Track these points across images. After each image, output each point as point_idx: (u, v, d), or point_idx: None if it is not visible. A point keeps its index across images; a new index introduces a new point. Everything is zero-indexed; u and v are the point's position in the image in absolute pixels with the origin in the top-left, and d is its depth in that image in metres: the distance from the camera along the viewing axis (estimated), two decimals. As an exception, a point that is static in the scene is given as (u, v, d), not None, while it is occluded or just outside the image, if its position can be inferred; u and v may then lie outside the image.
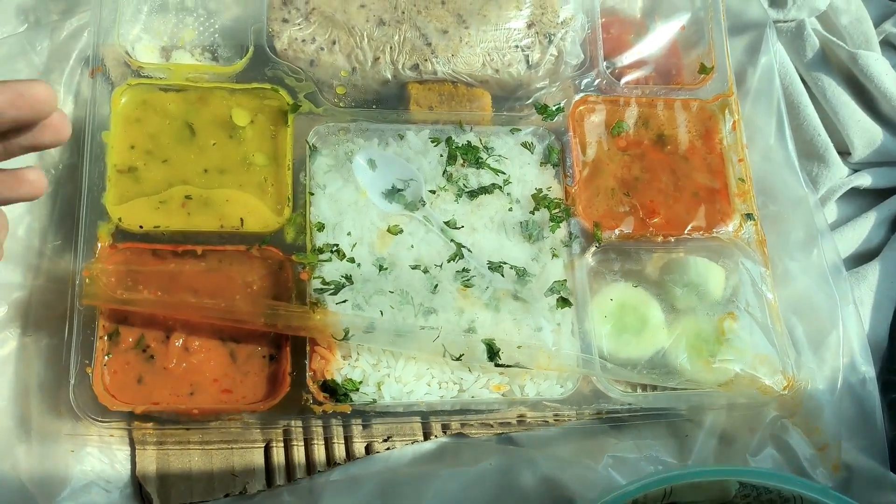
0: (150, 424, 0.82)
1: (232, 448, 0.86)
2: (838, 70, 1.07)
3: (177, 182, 0.88)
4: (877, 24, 1.11)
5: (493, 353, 0.84)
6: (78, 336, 0.81)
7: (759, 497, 0.77)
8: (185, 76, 0.91)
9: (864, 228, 1.03)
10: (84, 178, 0.86)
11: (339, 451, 0.88)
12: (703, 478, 0.74)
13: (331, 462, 0.87)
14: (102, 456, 0.84)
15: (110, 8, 0.92)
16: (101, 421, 0.80)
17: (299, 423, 0.85)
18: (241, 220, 0.87)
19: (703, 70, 1.01)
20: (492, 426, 0.90)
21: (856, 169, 1.07)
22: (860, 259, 1.03)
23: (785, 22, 1.09)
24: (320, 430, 0.87)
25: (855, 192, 1.06)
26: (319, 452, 0.87)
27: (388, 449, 0.89)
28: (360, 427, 0.88)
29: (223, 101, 0.91)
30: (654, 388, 0.89)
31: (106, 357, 0.82)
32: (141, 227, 0.85)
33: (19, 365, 0.84)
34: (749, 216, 0.95)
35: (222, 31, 0.96)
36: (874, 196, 1.06)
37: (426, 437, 0.89)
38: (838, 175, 1.04)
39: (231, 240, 0.87)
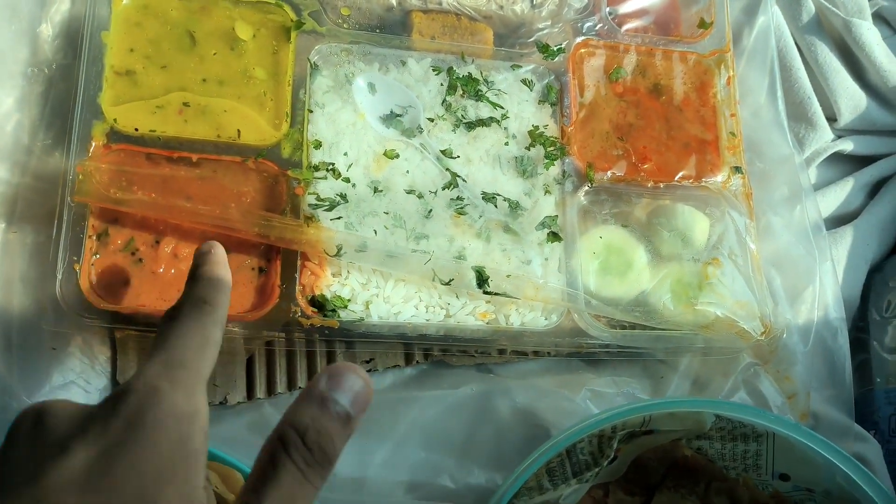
0: (133, 327, 0.82)
1: (214, 358, 0.86)
2: (831, 37, 1.09)
3: (175, 88, 0.86)
4: (870, -3, 1.13)
5: (482, 279, 0.85)
6: (67, 232, 0.80)
7: (732, 431, 0.79)
8: (188, -17, 0.90)
9: (843, 192, 1.05)
10: (81, 76, 0.84)
11: (321, 369, 0.88)
12: (681, 408, 0.76)
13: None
14: (83, 356, 0.83)
15: None
16: (86, 317, 0.79)
17: (283, 336, 0.85)
18: (238, 131, 0.86)
19: (703, 25, 1.02)
20: (473, 355, 0.91)
21: (840, 135, 1.09)
22: (838, 221, 1.05)
23: (783, -15, 1.11)
24: (303, 346, 0.87)
25: (838, 157, 1.08)
26: (301, 369, 0.88)
27: (368, 371, 0.90)
28: (344, 347, 0.89)
29: (226, 13, 0.90)
30: (634, 328, 0.91)
31: (94, 256, 0.81)
32: (136, 129, 0.84)
33: (3, 260, 0.83)
34: (737, 169, 0.97)
35: (228, -56, 0.95)
36: (856, 162, 1.09)
37: (408, 361, 0.90)
38: (824, 139, 1.06)
39: (227, 150, 0.86)
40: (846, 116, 1.07)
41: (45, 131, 0.88)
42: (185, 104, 0.86)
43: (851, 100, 1.07)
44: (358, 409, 0.54)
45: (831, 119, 1.08)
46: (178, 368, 0.53)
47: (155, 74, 0.87)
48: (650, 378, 0.94)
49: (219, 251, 0.67)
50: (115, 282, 0.81)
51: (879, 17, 1.14)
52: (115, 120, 0.84)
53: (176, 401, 0.50)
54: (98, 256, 0.82)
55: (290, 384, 0.88)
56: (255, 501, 0.49)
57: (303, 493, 0.51)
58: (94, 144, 0.83)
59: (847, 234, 1.02)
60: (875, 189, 1.08)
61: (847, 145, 1.07)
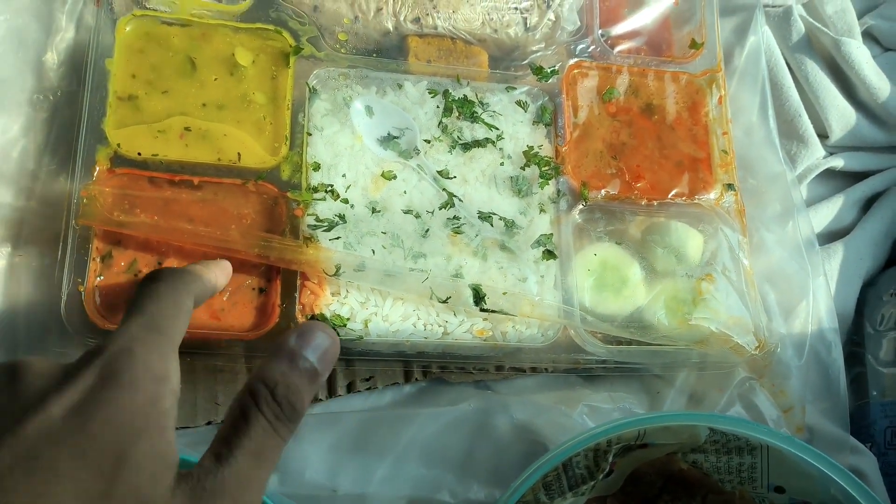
0: (137, 347, 0.83)
1: (216, 377, 0.87)
2: (821, 55, 1.11)
3: (176, 113, 0.88)
4: (860, 16, 1.15)
5: (478, 297, 0.86)
6: (72, 255, 0.82)
7: (727, 444, 0.80)
8: (189, 11, 0.92)
9: (835, 208, 1.07)
10: (85, 102, 0.86)
11: (322, 387, 0.89)
12: (676, 421, 0.77)
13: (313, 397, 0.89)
14: (88, 376, 0.85)
15: (118, -60, 0.92)
16: (90, 338, 0.80)
17: (285, 356, 0.86)
18: (239, 154, 0.88)
19: (694, 45, 1.04)
20: (470, 372, 0.92)
21: (832, 151, 1.11)
22: (831, 237, 1.07)
23: (773, 7, 1.13)
24: (304, 365, 0.89)
25: (830, 173, 1.10)
26: (302, 387, 0.89)
27: (368, 389, 0.91)
28: (344, 366, 0.90)
29: (226, 39, 0.92)
30: (630, 344, 0.92)
31: (98, 278, 0.83)
32: (139, 154, 0.86)
33: (9, 283, 0.85)
34: (730, 186, 0.99)
35: (228, -29, 0.98)
36: (847, 178, 1.10)
37: (407, 378, 0.92)
38: (815, 156, 1.08)
39: (228, 173, 0.88)
40: (837, 133, 1.09)
41: (51, 157, 0.90)
42: (187, 128, 0.88)
43: (842, 117, 1.09)
44: (325, 366, 0.58)
45: (823, 136, 1.10)
46: (154, 332, 0.55)
47: (157, 100, 0.89)
48: (647, 393, 0.95)
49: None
50: (118, 302, 0.83)
51: (869, 36, 1.16)
52: (118, 145, 0.86)
53: (150, 362, 0.53)
54: (102, 278, 0.83)
55: (291, 402, 0.89)
56: (227, 451, 0.52)
57: (272, 444, 0.54)
58: (98, 169, 0.85)
59: (840, 250, 1.04)
60: (867, 205, 1.09)
61: (838, 162, 1.09)
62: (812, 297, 0.97)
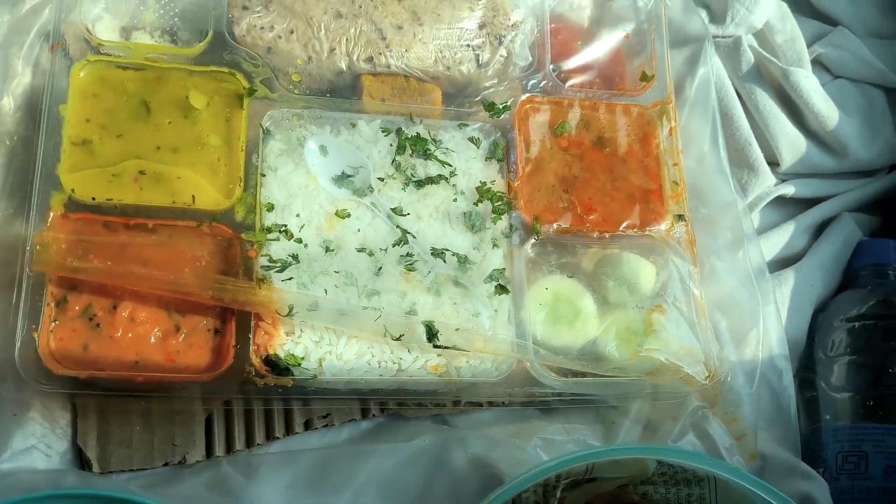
0: (93, 391, 0.84)
1: (173, 419, 0.88)
2: (771, 85, 1.13)
3: (130, 156, 0.89)
4: (809, 45, 1.17)
5: (432, 334, 0.88)
6: (26, 301, 0.82)
7: (675, 476, 0.81)
8: (144, 56, 0.93)
9: (786, 234, 1.09)
10: (39, 148, 0.87)
11: (279, 425, 0.90)
12: (622, 455, 0.78)
13: (270, 436, 0.90)
14: (44, 421, 0.86)
15: (73, -15, 0.94)
16: (45, 385, 0.81)
17: (240, 395, 0.87)
18: (193, 197, 0.89)
19: (645, 78, 1.06)
20: (428, 407, 0.93)
21: (783, 179, 1.13)
22: (782, 263, 1.09)
23: (723, 37, 1.15)
24: (261, 404, 0.90)
25: (781, 201, 1.12)
26: (259, 426, 0.90)
27: (325, 426, 0.92)
28: (301, 403, 0.91)
29: (180, 83, 0.94)
30: (584, 375, 0.93)
31: (53, 323, 0.84)
32: (93, 198, 0.87)
33: (-36, 329, 0.86)
34: (681, 217, 1.01)
35: (182, 15, 0.99)
36: (798, 205, 1.12)
37: (364, 415, 0.93)
38: (766, 184, 1.10)
39: (182, 216, 0.89)
40: (787, 161, 1.11)
41: (7, 202, 0.91)
42: (141, 172, 0.89)
43: (792, 145, 1.11)
44: None
45: (773, 164, 1.12)
46: None
47: (111, 143, 0.90)
48: (601, 424, 0.96)
49: None
50: (73, 347, 0.84)
51: (819, 64, 1.18)
52: (72, 190, 0.87)
53: None
54: (57, 323, 0.84)
55: (249, 441, 0.90)
56: None
57: None
58: (52, 214, 0.86)
59: (790, 276, 1.05)
60: (818, 231, 1.11)
61: (789, 189, 1.11)
62: (762, 325, 0.99)
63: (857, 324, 1.01)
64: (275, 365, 0.85)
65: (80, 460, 0.86)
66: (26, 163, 0.90)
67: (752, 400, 0.96)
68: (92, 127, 0.90)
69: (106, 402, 0.86)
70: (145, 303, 0.86)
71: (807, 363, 1.04)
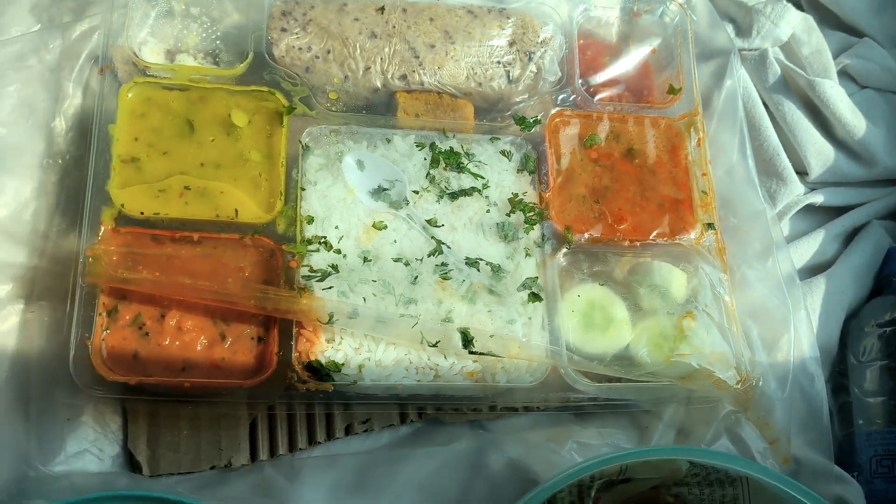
0: (143, 397, 0.88)
1: (219, 423, 0.91)
2: (798, 96, 1.15)
3: (176, 173, 0.93)
4: (835, 56, 1.19)
5: (467, 340, 0.90)
6: (79, 311, 0.86)
7: (707, 476, 0.83)
8: (188, 77, 0.98)
9: (816, 242, 1.10)
10: (91, 166, 0.92)
11: (321, 430, 0.93)
12: (655, 456, 0.80)
13: (312, 441, 0.93)
14: (96, 426, 0.89)
15: (120, 12, 0.98)
16: (97, 390, 0.85)
17: (284, 401, 0.90)
18: (236, 210, 0.93)
19: (672, 91, 1.09)
20: (464, 412, 0.96)
21: (812, 187, 1.14)
22: (813, 271, 1.10)
23: (750, 50, 1.17)
24: (303, 409, 0.93)
25: (810, 209, 1.13)
26: (302, 431, 0.93)
27: (365, 431, 0.94)
28: (342, 409, 0.94)
29: (223, 102, 0.98)
30: (618, 381, 0.95)
31: (104, 332, 0.87)
32: (142, 213, 0.91)
33: (21, 338, 0.90)
34: (710, 226, 1.02)
35: (224, 38, 1.03)
36: (828, 213, 1.14)
37: (403, 420, 0.95)
38: (795, 193, 1.11)
39: (226, 229, 0.93)
40: (816, 170, 1.13)
41: (61, 217, 0.95)
42: (186, 187, 0.93)
43: (820, 154, 1.12)
44: None
45: (802, 173, 1.14)
46: None
47: (158, 161, 0.94)
48: (636, 428, 0.98)
49: None
50: (123, 355, 0.87)
51: (846, 74, 1.20)
52: (122, 205, 0.91)
53: None
54: (108, 332, 0.88)
55: (292, 446, 0.92)
56: None
57: None
58: (103, 229, 0.90)
59: (821, 283, 1.07)
60: (848, 238, 1.12)
61: (818, 198, 1.12)
62: (794, 331, 1.00)
63: (888, 329, 1.02)
64: (316, 371, 0.88)
65: (131, 463, 0.89)
66: (78, 180, 0.95)
67: (784, 405, 0.97)
68: (140, 145, 0.94)
69: (155, 407, 0.90)
70: (192, 312, 0.89)
71: (839, 369, 1.05)
